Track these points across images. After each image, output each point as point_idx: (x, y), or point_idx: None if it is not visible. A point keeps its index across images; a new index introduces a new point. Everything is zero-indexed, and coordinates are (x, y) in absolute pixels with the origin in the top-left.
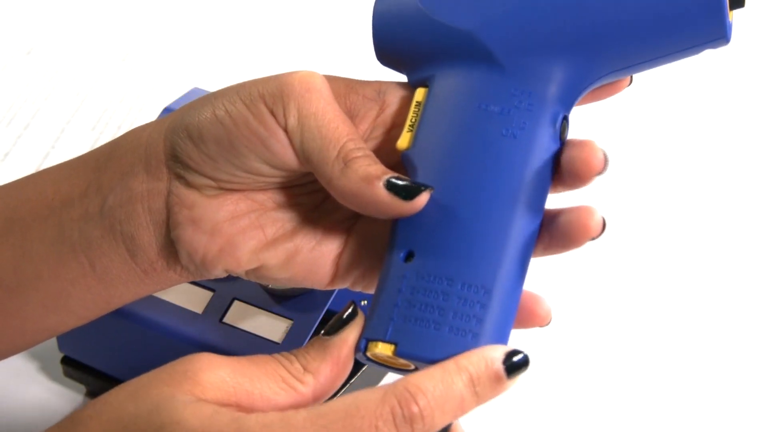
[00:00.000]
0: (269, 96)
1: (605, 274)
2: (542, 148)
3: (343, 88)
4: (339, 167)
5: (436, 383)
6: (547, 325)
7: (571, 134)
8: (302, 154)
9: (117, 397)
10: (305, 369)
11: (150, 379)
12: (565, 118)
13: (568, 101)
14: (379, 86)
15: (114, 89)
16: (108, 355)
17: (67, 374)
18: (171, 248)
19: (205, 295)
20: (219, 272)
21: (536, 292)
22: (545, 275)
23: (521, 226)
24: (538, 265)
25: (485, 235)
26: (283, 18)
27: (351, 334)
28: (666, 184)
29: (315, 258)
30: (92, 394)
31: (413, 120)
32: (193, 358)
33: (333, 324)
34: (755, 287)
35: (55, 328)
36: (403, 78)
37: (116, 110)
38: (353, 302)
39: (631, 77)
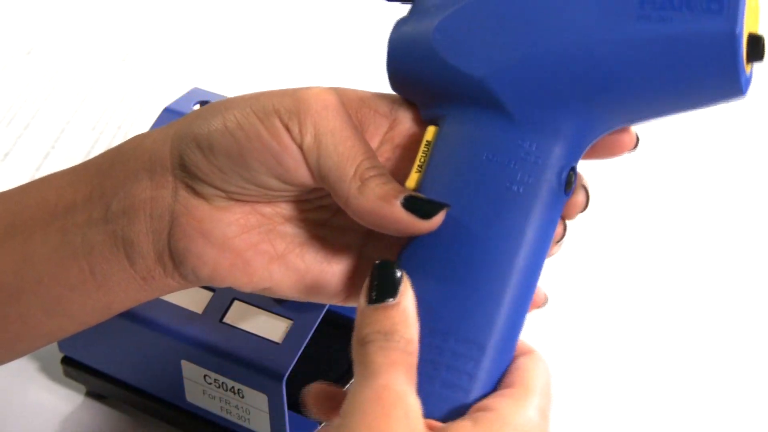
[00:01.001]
0: (285, 111)
1: (605, 276)
2: (546, 203)
3: (355, 102)
4: (356, 186)
5: None
6: (543, 306)
7: None
8: (318, 171)
9: None
10: (408, 341)
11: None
12: (573, 169)
13: (575, 153)
14: (392, 102)
15: (114, 89)
16: (108, 355)
17: (67, 374)
18: (169, 256)
19: (205, 295)
20: (224, 285)
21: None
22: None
23: (519, 281)
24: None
25: (481, 290)
26: (283, 18)
27: (411, 293)
28: (666, 186)
29: (326, 274)
30: (92, 394)
31: (422, 160)
32: (392, 393)
33: (387, 288)
34: (753, 288)
35: (56, 334)
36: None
37: (116, 110)
38: (387, 261)
39: (638, 139)
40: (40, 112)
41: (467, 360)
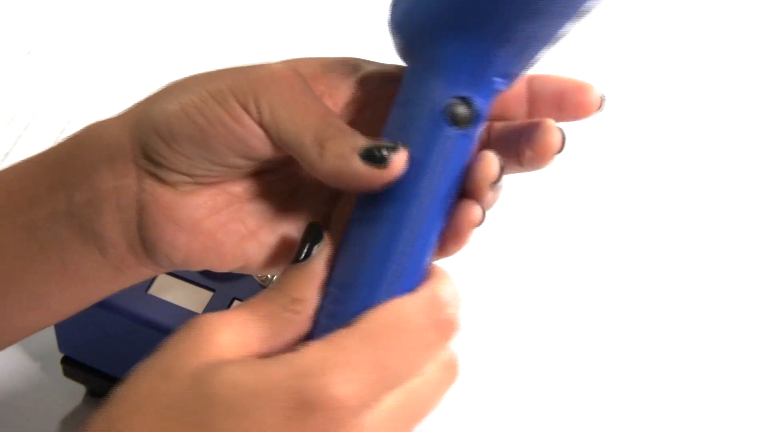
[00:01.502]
0: (239, 92)
1: (601, 275)
2: (429, 136)
3: (319, 69)
4: (317, 151)
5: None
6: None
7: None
8: (282, 144)
9: (148, 385)
10: (296, 300)
11: (171, 355)
12: (466, 102)
13: (460, 84)
14: (357, 64)
15: (114, 89)
16: (108, 355)
17: (67, 374)
18: (140, 245)
19: (205, 295)
20: (199, 268)
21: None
22: (541, 276)
23: (400, 224)
24: (535, 264)
25: (362, 234)
26: (283, 18)
27: (323, 256)
28: (662, 184)
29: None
30: (92, 393)
31: None
32: (199, 323)
33: (300, 250)
34: (751, 288)
35: (36, 326)
36: (379, 55)
37: (116, 110)
38: (312, 223)
39: (603, 100)
40: (40, 112)
41: (341, 304)
